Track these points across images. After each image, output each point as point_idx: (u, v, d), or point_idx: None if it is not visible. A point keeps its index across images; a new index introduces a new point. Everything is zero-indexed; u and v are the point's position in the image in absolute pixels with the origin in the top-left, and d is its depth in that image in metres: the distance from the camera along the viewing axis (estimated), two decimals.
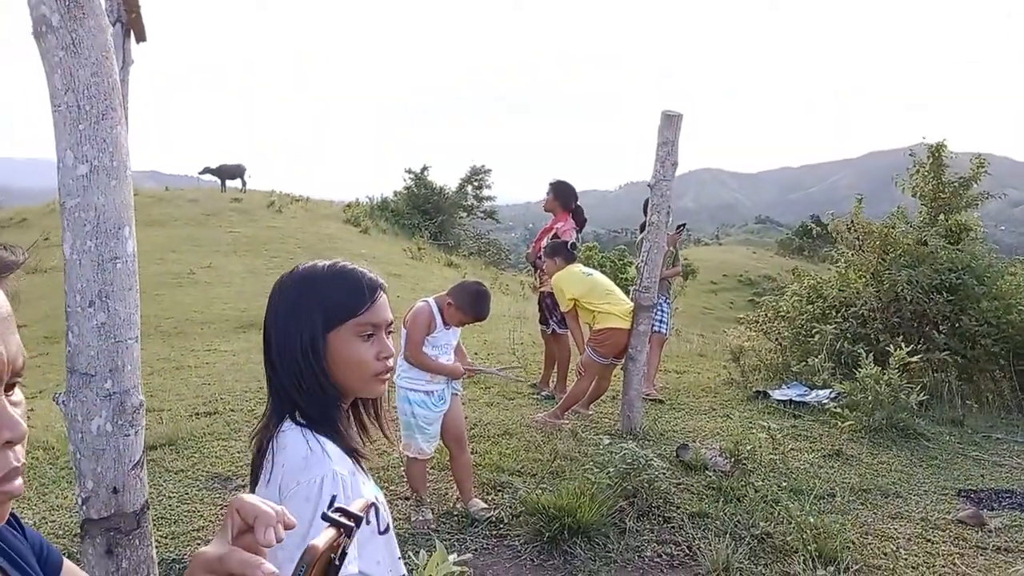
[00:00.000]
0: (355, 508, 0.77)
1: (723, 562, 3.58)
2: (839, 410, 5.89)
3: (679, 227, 7.25)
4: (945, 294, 7.53)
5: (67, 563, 0.96)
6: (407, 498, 4.23)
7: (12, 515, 0.86)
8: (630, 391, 5.63)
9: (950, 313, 7.54)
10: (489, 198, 31.84)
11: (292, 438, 1.30)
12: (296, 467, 1.25)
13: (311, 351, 1.31)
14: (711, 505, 4.30)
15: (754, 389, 7.11)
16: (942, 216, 9.06)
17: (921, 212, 9.42)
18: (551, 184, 6.66)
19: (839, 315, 8.07)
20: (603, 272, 7.00)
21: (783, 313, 8.91)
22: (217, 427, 5.43)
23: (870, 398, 5.82)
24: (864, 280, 8.21)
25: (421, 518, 3.99)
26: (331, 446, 1.30)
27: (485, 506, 4.13)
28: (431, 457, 4.18)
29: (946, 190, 9.27)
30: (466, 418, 4.52)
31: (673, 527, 4.06)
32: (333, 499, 0.82)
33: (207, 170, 26.71)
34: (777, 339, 8.79)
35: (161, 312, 11.83)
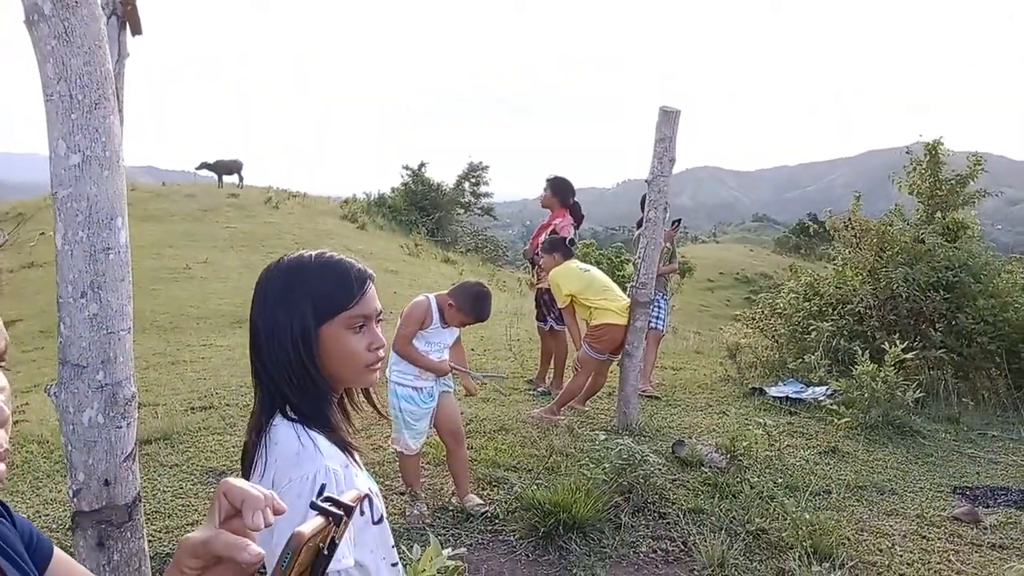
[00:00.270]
0: (346, 499, 0.76)
1: (718, 558, 3.58)
2: (835, 407, 5.89)
3: (674, 223, 7.23)
4: (942, 292, 7.52)
5: (58, 551, 0.95)
6: (402, 493, 4.22)
7: (0, 503, 0.85)
8: (626, 387, 5.62)
9: (946, 311, 7.54)
10: (486, 195, 31.74)
11: (284, 433, 1.29)
12: (288, 463, 1.25)
13: (302, 343, 1.30)
14: (707, 501, 4.30)
15: (750, 386, 7.10)
16: (939, 214, 9.04)
17: (918, 210, 9.40)
18: (549, 180, 6.64)
19: (836, 312, 8.07)
20: (600, 269, 6.99)
21: (780, 310, 8.90)
22: (212, 422, 5.42)
23: (866, 395, 5.82)
24: (861, 278, 8.20)
25: (416, 512, 3.98)
26: (323, 441, 1.29)
27: (480, 502, 4.12)
28: (421, 453, 4.18)
29: (943, 187, 9.25)
30: (462, 414, 4.51)
31: (668, 523, 4.05)
32: (323, 488, 0.80)
33: (204, 165, 26.65)
34: (774, 336, 8.79)
35: (157, 307, 11.81)
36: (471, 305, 3.86)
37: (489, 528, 3.93)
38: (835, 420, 5.71)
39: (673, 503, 4.24)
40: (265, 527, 0.73)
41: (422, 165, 29.53)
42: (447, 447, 4.16)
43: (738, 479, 4.58)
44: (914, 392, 5.92)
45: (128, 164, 2.27)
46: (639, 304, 5.56)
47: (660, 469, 4.36)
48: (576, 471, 4.37)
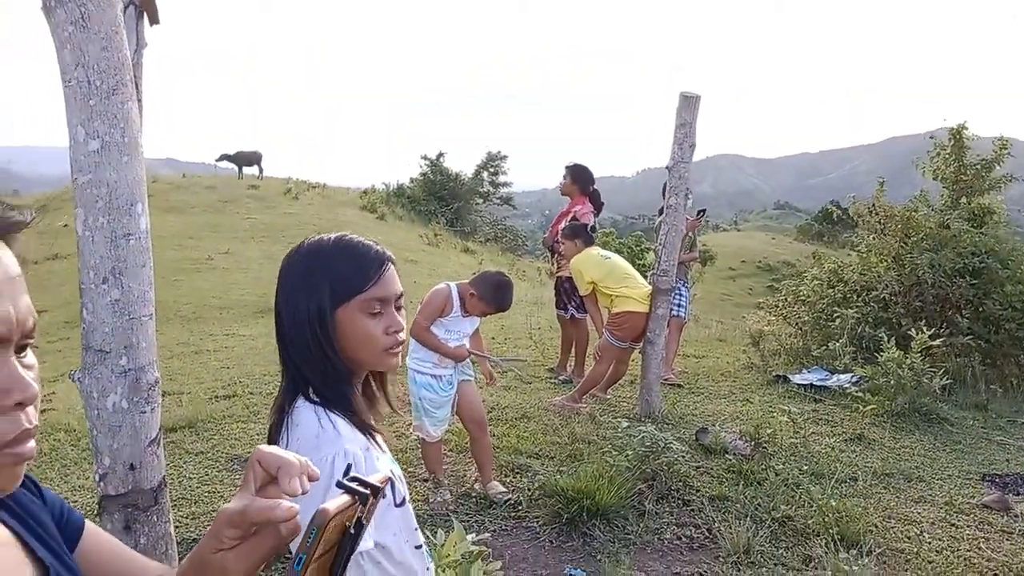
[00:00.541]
0: (374, 479, 0.74)
1: (744, 544, 3.55)
2: (860, 394, 5.82)
3: (699, 212, 7.17)
4: (968, 278, 7.41)
5: (90, 525, 0.94)
6: (425, 480, 4.23)
7: (29, 478, 0.84)
8: (649, 375, 5.58)
9: (973, 297, 7.43)
10: (505, 184, 31.63)
11: (305, 416, 1.29)
12: (308, 445, 1.25)
13: (319, 325, 1.30)
14: (731, 488, 4.26)
15: (774, 374, 7.03)
16: (964, 199, 8.89)
17: (943, 195, 9.25)
18: (568, 167, 6.59)
19: (860, 299, 7.97)
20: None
21: (803, 297, 8.82)
22: (236, 410, 5.46)
23: (892, 382, 5.74)
24: (885, 264, 8.09)
25: (439, 499, 3.98)
26: (343, 424, 1.29)
27: (504, 490, 4.11)
28: (443, 439, 4.17)
29: (968, 172, 9.07)
30: (484, 402, 4.50)
31: (693, 510, 4.02)
32: (349, 467, 0.79)
33: (224, 157, 26.76)
34: (797, 323, 8.71)
35: (180, 297, 11.90)
36: (492, 294, 3.85)
37: (513, 515, 3.93)
38: (861, 407, 5.65)
39: (697, 490, 4.21)
40: (302, 493, 0.72)
41: (440, 155, 29.47)
42: (470, 434, 4.16)
43: (763, 466, 4.54)
44: (941, 379, 5.84)
45: (148, 156, 2.27)
46: (660, 291, 5.51)
47: (684, 456, 4.33)
48: (599, 458, 4.35)
